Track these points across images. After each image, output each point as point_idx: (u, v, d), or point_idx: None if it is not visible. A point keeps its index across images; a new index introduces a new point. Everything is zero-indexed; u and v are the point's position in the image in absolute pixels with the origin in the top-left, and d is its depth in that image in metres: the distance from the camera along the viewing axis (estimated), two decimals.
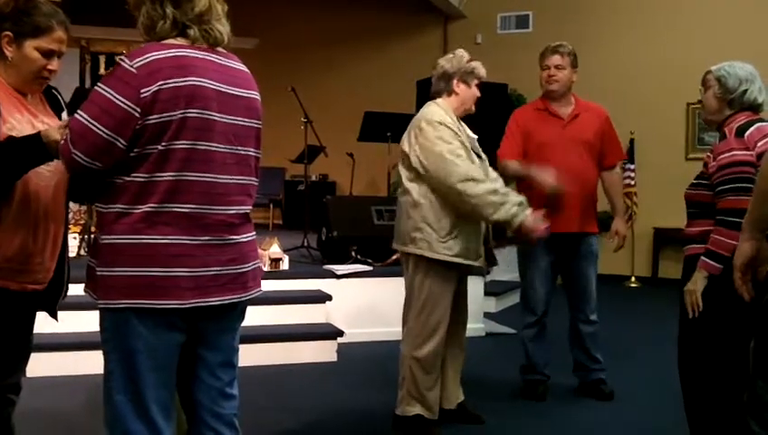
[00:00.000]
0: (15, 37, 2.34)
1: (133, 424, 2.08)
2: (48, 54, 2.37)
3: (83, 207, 6.57)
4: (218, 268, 2.13)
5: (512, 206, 3.48)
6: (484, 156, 3.78)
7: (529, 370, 4.47)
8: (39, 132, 2.20)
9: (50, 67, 2.39)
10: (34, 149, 2.19)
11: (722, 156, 2.93)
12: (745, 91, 3.02)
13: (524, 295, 4.47)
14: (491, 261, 3.91)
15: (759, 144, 2.88)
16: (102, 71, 10.05)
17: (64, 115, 2.56)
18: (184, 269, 2.06)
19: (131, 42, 9.40)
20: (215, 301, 2.13)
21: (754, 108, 3.04)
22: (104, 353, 2.13)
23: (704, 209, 3.01)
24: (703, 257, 2.93)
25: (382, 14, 10.80)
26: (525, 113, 4.46)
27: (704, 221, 3.00)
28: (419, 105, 8.06)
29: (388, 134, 7.83)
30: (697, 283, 2.93)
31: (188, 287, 2.07)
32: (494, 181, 3.59)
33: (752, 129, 2.93)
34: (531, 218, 3.48)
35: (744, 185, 2.83)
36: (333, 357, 5.24)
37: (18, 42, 2.34)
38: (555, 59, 4.34)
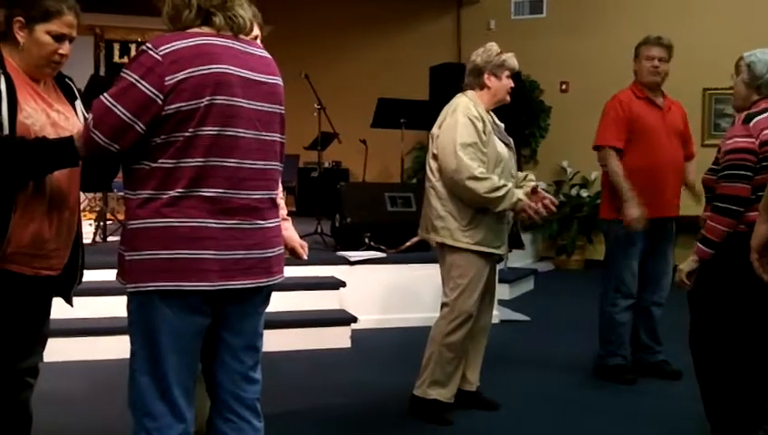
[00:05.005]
0: (26, 22, 2.35)
1: (155, 405, 2.11)
2: (59, 38, 2.38)
3: (99, 194, 6.62)
4: (244, 252, 2.14)
5: (512, 194, 3.59)
6: (512, 143, 3.85)
7: (617, 355, 4.50)
8: (71, 136, 2.20)
9: (61, 51, 2.40)
10: (65, 153, 2.19)
11: (727, 142, 2.97)
12: None
13: (620, 279, 4.46)
14: (517, 244, 3.96)
15: (765, 132, 2.89)
16: (117, 58, 10.06)
17: (78, 104, 2.58)
18: (210, 252, 2.08)
19: (145, 29, 9.43)
20: (239, 284, 2.14)
21: None
22: (130, 336, 2.15)
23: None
24: (697, 243, 3.03)
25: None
26: (629, 99, 4.49)
27: None
28: (433, 91, 8.17)
29: (402, 121, 7.81)
30: (686, 264, 3.07)
31: (214, 270, 2.09)
32: (494, 177, 3.62)
33: (761, 116, 2.94)
34: (526, 199, 3.63)
35: (738, 172, 2.90)
36: (347, 343, 5.26)
37: (29, 27, 2.36)
38: (659, 51, 4.43)
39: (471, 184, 3.55)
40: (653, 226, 4.40)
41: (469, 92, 3.78)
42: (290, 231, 2.79)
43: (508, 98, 3.82)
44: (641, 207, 4.26)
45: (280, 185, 2.37)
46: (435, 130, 3.76)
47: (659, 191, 4.36)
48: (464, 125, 3.61)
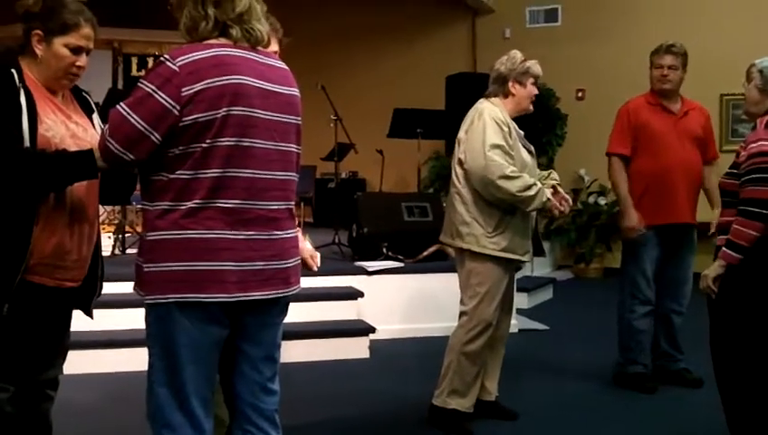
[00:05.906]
0: (45, 35, 2.39)
1: (174, 416, 2.11)
2: (77, 51, 2.41)
3: (117, 207, 6.66)
4: (262, 263, 2.15)
5: (542, 193, 3.61)
6: (533, 151, 3.87)
7: (637, 362, 4.48)
8: (91, 149, 2.22)
9: (79, 63, 2.43)
10: (85, 165, 2.22)
11: (751, 145, 2.95)
12: None
13: (634, 285, 4.45)
14: (539, 252, 3.95)
15: None
16: (134, 72, 10.14)
17: (95, 117, 2.61)
18: (229, 263, 2.09)
19: (163, 43, 9.50)
20: (258, 295, 2.15)
21: None
22: (148, 347, 2.16)
23: (734, 199, 3.02)
24: (723, 248, 2.98)
25: (410, 9, 10.77)
26: (638, 106, 4.52)
27: (733, 211, 3.00)
28: (449, 101, 8.16)
29: (418, 131, 7.82)
30: (712, 270, 3.01)
31: (233, 281, 2.09)
32: (526, 175, 3.63)
33: None
34: (553, 199, 3.67)
35: (765, 175, 2.85)
36: (366, 353, 5.25)
37: (47, 40, 2.39)
38: (669, 59, 4.43)
39: (503, 183, 3.54)
40: (668, 232, 4.37)
41: (493, 99, 3.79)
42: (302, 242, 2.80)
43: (531, 107, 3.83)
44: (640, 216, 4.33)
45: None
46: (461, 134, 3.76)
47: (670, 197, 4.33)
48: (492, 127, 3.61)
